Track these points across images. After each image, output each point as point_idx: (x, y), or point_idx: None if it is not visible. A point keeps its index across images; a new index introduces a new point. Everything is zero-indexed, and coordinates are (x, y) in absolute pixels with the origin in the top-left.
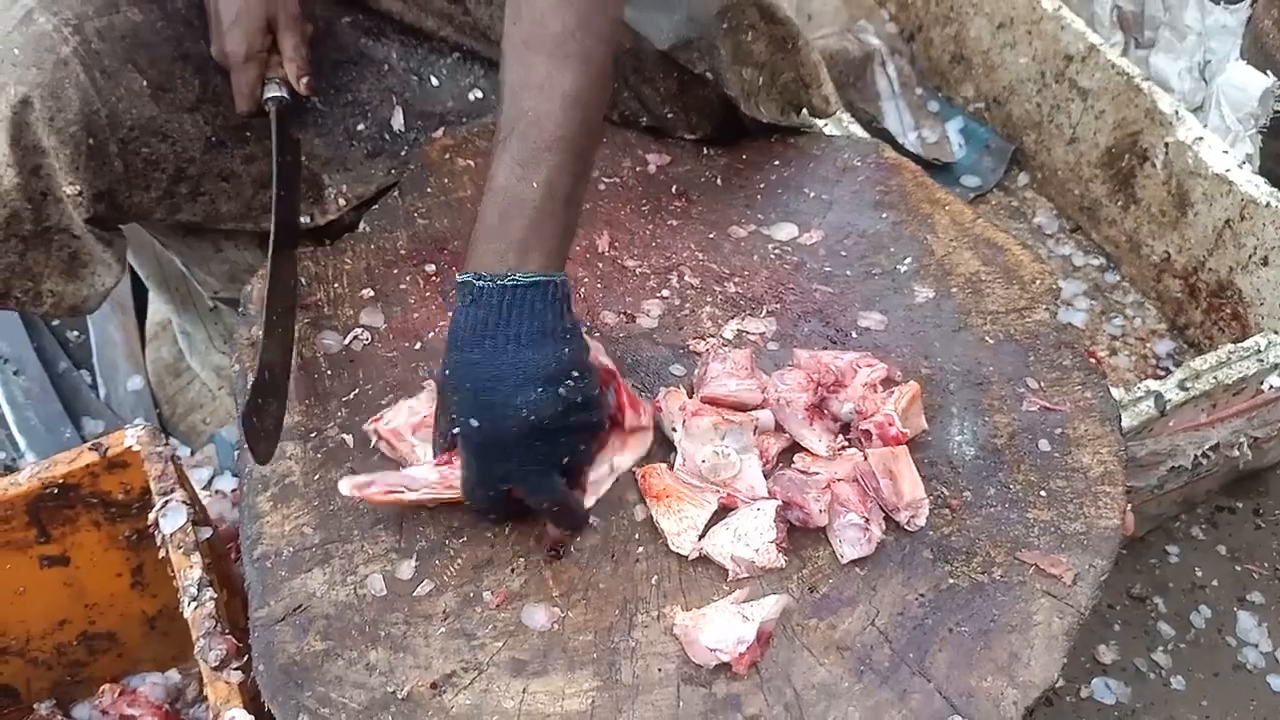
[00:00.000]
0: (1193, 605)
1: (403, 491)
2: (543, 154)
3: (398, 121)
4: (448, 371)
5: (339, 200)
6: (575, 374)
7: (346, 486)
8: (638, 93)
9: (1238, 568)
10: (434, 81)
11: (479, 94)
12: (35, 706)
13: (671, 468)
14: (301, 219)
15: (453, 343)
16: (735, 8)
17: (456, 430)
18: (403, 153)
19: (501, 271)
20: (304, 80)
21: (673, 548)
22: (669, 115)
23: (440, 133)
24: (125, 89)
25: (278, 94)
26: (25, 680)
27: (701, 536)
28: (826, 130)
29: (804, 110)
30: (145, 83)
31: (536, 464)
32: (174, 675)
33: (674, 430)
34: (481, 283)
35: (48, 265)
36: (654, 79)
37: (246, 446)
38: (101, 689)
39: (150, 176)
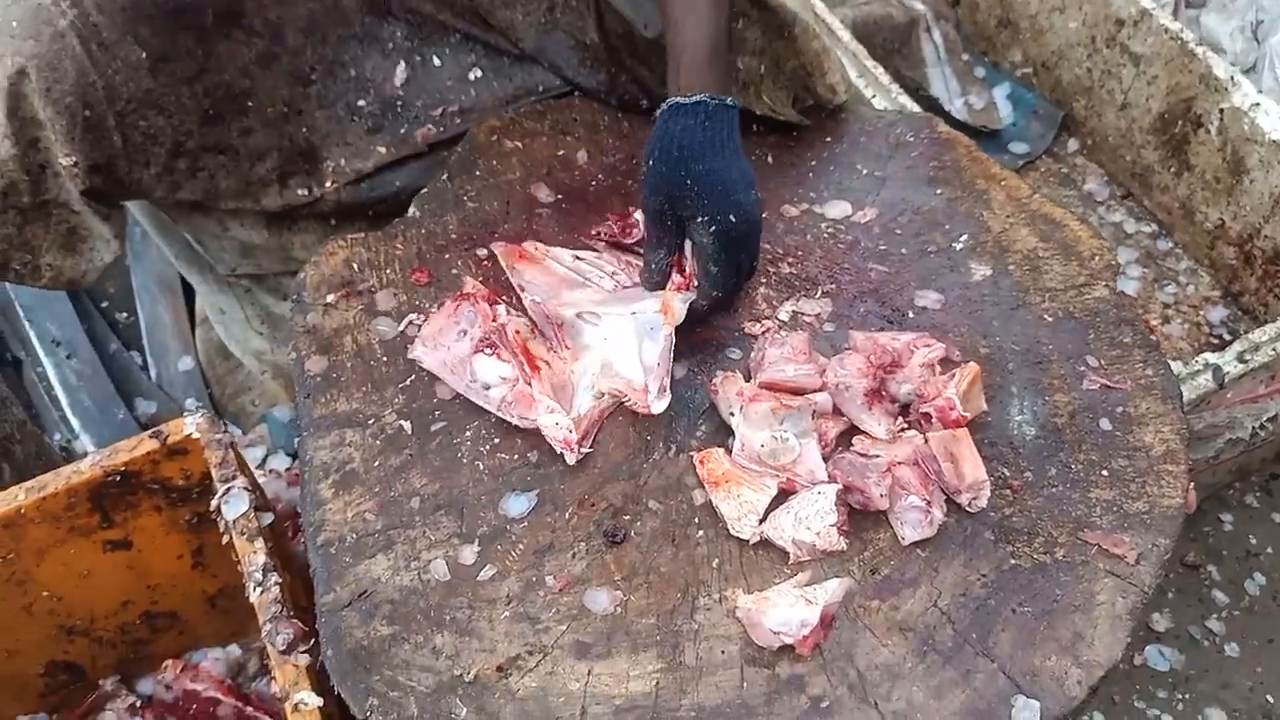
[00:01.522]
0: (1247, 573)
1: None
2: None
3: (398, 94)
4: (689, 182)
5: (335, 175)
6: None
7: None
8: (635, 76)
9: None
10: (436, 61)
11: (479, 73)
12: (100, 683)
13: (729, 453)
14: (298, 191)
15: (694, 155)
16: None
17: (712, 230)
18: (402, 130)
19: (721, 95)
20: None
21: (733, 532)
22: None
23: (439, 112)
24: (123, 61)
25: None
26: (90, 658)
27: (762, 521)
28: (876, 102)
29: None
30: (144, 55)
31: (756, 252)
32: (235, 650)
33: (731, 415)
34: (715, 102)
35: (46, 238)
36: (649, 61)
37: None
38: (164, 665)
39: (149, 151)
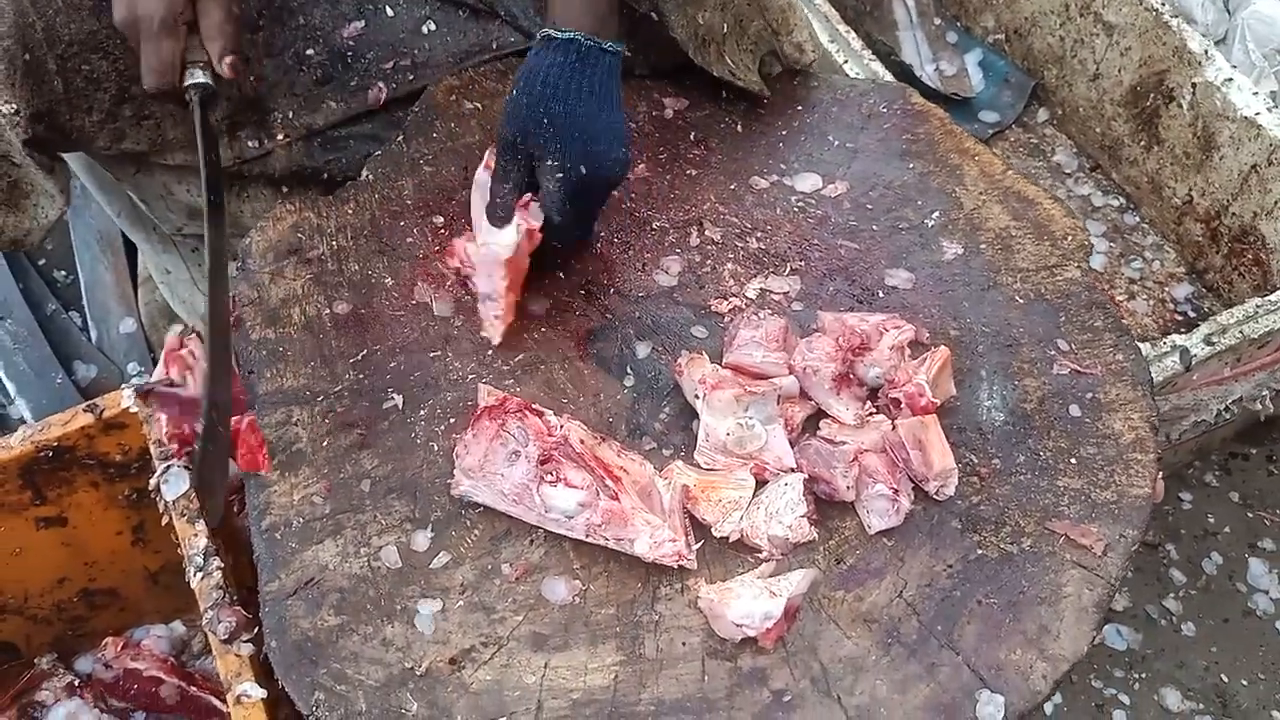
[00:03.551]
0: (1204, 552)
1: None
2: None
3: (348, 45)
4: (546, 121)
5: (285, 128)
6: (629, 140)
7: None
8: None
9: (1250, 514)
10: (389, 11)
11: (432, 26)
12: (36, 661)
13: (690, 462)
14: (248, 144)
15: (555, 94)
16: None
17: (558, 177)
18: (353, 83)
19: (598, 37)
20: (228, 60)
21: (716, 534)
22: (627, 52)
23: (390, 65)
24: (64, 2)
25: (201, 80)
26: (25, 636)
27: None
28: (847, 68)
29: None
30: None
31: (601, 208)
32: (179, 627)
33: (697, 398)
34: (590, 43)
35: None
36: None
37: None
38: (104, 642)
39: (92, 96)
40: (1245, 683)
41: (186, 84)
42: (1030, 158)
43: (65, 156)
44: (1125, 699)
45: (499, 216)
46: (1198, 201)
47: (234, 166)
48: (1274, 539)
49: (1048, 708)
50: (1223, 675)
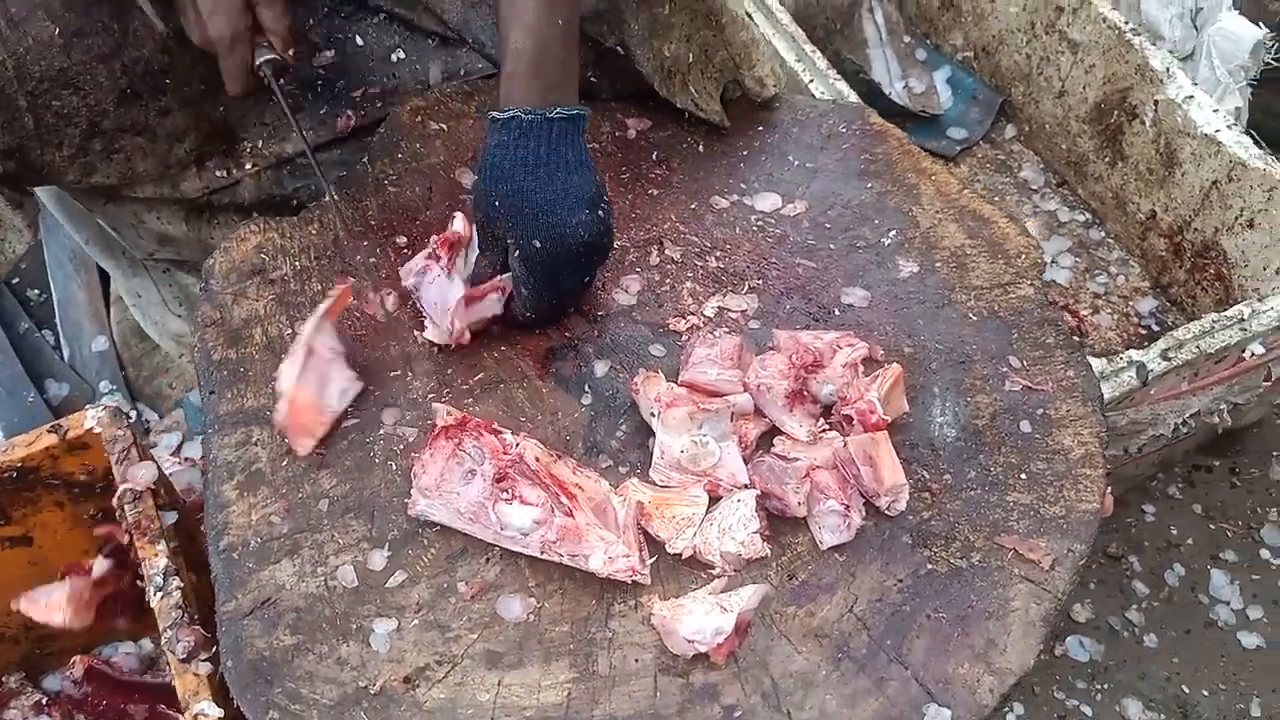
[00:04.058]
0: (1167, 564)
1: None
2: None
3: (318, 74)
4: (497, 203)
5: (254, 157)
6: (605, 199)
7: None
8: None
9: (1212, 526)
10: (359, 41)
11: (401, 55)
12: (3, 680)
13: (645, 479)
14: (216, 173)
15: (501, 175)
16: None
17: (517, 254)
18: (322, 111)
19: (543, 107)
20: (290, 51)
21: (670, 550)
22: (592, 80)
23: (359, 94)
24: (34, 39)
25: (270, 56)
26: None
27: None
28: (813, 87)
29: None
30: (56, 31)
31: (586, 277)
32: (147, 644)
33: (653, 415)
34: (530, 116)
35: None
36: None
37: None
38: (72, 660)
39: (63, 132)
40: (1206, 693)
41: (258, 61)
42: (997, 173)
43: (34, 190)
44: (1087, 710)
45: (478, 284)
46: (1161, 217)
47: (203, 197)
48: (1236, 550)
49: (1010, 719)
50: (1184, 686)
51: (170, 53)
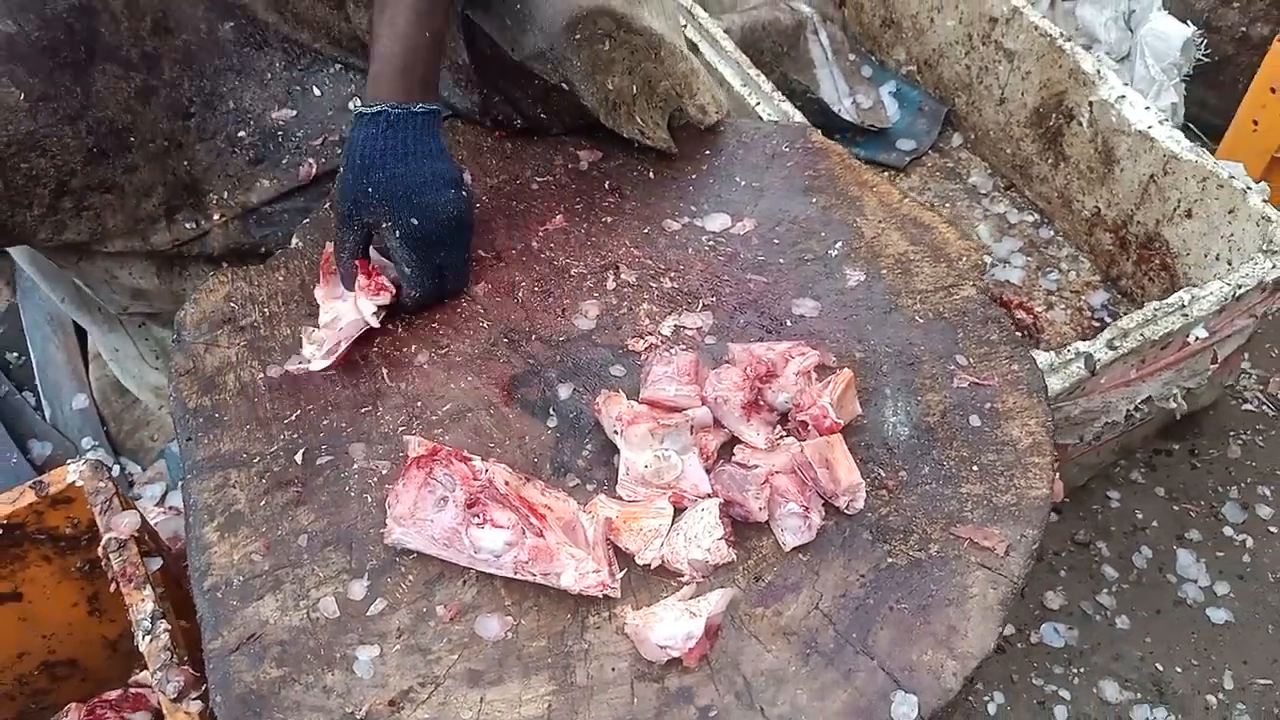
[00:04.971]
0: (1134, 547)
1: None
2: (435, 5)
3: (278, 125)
4: (370, 189)
5: (221, 208)
6: (466, 181)
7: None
8: (508, 95)
9: (1175, 508)
10: (316, 91)
11: (357, 102)
12: None
13: (611, 494)
14: (185, 225)
15: (373, 164)
16: (586, 20)
17: (396, 234)
18: (284, 160)
19: (408, 102)
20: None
21: (639, 561)
22: (541, 116)
23: (320, 141)
24: (0, 104)
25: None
26: None
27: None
28: (760, 109)
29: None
30: (22, 96)
31: (461, 250)
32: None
33: (616, 433)
34: (398, 110)
35: None
36: (520, 82)
37: None
38: (67, 707)
39: (32, 193)
40: (1180, 670)
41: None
42: (947, 180)
43: (9, 250)
44: (1065, 694)
45: (347, 283)
46: (1105, 213)
47: (173, 249)
48: (1200, 529)
49: (991, 708)
50: (1158, 664)
51: (133, 111)
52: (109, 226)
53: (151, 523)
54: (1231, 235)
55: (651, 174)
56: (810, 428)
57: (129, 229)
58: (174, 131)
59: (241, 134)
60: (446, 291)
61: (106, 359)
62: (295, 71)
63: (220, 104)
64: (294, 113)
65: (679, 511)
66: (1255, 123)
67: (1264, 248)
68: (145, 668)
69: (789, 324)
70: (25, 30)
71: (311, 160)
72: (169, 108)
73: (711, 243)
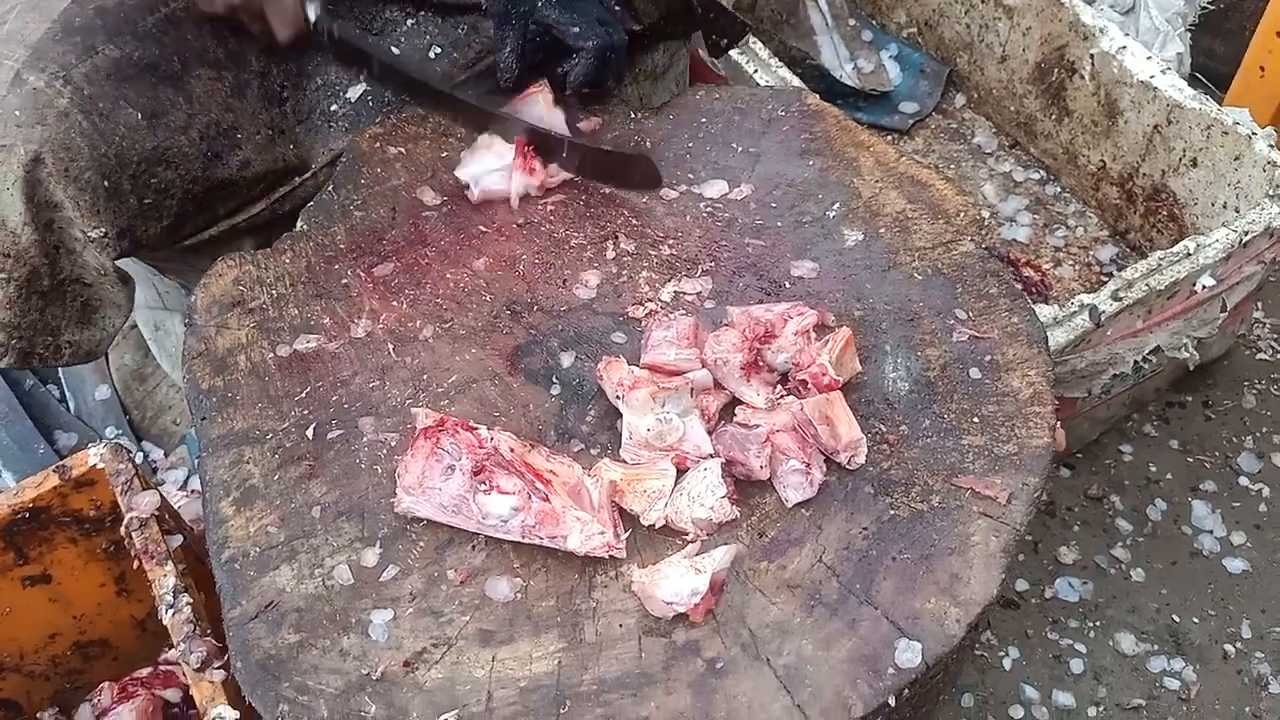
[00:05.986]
0: (1148, 500)
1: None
2: None
3: (366, 91)
4: None
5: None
6: None
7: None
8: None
9: (1190, 459)
10: (394, 51)
11: (438, 50)
12: (38, 716)
13: (616, 458)
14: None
15: None
16: None
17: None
18: (377, 121)
19: None
20: None
21: (644, 522)
22: (617, 7)
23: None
24: (124, 125)
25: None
26: (25, 693)
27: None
28: (758, 77)
29: None
30: (139, 115)
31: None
32: None
33: (618, 399)
34: None
35: (64, 317)
36: None
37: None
38: (100, 687)
39: (162, 205)
40: (1196, 620)
41: (314, 21)
42: (952, 141)
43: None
44: (1081, 647)
45: (508, 80)
46: (1110, 166)
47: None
48: (1214, 480)
49: (1006, 663)
50: (1174, 615)
51: (233, 109)
52: (220, 213)
53: (175, 506)
54: (1238, 182)
55: (649, 143)
56: (810, 386)
57: (235, 209)
58: (273, 119)
59: (334, 107)
60: (613, 44)
61: (147, 337)
62: (372, 36)
63: (308, 83)
64: (376, 76)
65: (682, 472)
66: (1262, 69)
67: (1270, 193)
68: (173, 645)
69: (788, 286)
70: (126, 53)
71: (357, 139)
72: (263, 97)
73: (709, 209)
